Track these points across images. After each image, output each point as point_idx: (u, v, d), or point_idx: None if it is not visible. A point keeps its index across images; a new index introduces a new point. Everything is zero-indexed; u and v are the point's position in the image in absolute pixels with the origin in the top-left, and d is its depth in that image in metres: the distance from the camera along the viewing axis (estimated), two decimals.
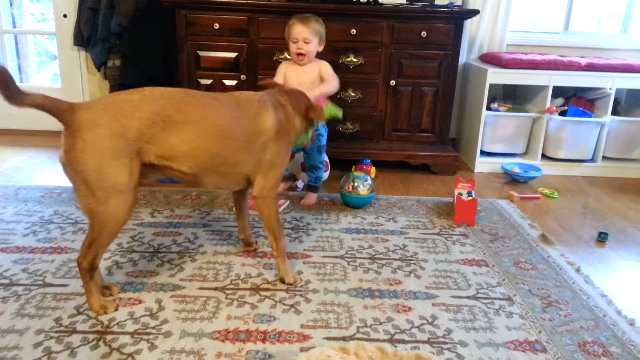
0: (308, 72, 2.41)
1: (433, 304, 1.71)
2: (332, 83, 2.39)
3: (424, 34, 2.96)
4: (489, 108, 3.28)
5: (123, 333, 1.49)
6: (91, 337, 1.47)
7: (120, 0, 3.12)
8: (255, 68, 3.00)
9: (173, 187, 2.68)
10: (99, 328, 1.51)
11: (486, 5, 3.41)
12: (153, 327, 1.52)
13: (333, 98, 2.59)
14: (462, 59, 3.49)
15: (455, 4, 3.08)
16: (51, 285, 1.73)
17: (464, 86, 3.54)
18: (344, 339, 1.51)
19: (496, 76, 3.12)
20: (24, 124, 3.73)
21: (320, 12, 2.77)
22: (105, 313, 1.58)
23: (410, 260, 2.01)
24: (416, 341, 1.51)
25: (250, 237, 2.03)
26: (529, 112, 3.30)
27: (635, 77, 3.15)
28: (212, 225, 2.25)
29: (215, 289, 1.75)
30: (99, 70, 3.46)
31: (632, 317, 1.67)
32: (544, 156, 3.30)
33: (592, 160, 3.31)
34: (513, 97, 3.56)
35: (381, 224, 2.33)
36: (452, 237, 2.23)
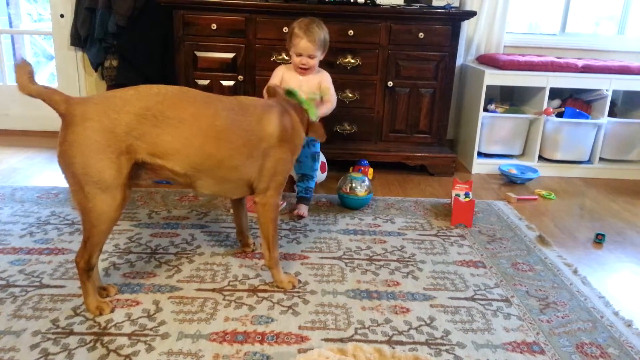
0: (308, 82, 2.32)
1: (431, 306, 1.71)
2: (330, 105, 2.32)
3: (421, 35, 2.96)
4: (486, 109, 3.28)
5: (120, 334, 1.49)
6: (88, 338, 1.46)
7: (118, 0, 3.11)
8: (253, 69, 3.00)
9: (170, 189, 2.68)
10: (96, 330, 1.50)
11: (483, 6, 3.42)
12: (150, 329, 1.52)
13: None
14: (460, 60, 3.50)
15: (452, 5, 3.08)
16: (48, 286, 1.72)
17: (461, 87, 3.54)
18: (342, 340, 1.51)
19: (493, 78, 3.13)
20: (21, 124, 3.72)
21: (318, 13, 2.78)
22: (101, 314, 1.57)
23: (408, 261, 2.01)
24: (414, 343, 1.51)
25: (248, 237, 2.02)
26: (526, 113, 3.31)
27: (632, 78, 3.16)
28: (210, 227, 2.25)
29: (213, 290, 1.74)
30: (96, 71, 3.45)
31: (630, 319, 1.68)
32: (541, 157, 3.31)
33: (589, 161, 3.32)
34: (510, 99, 3.57)
35: (379, 225, 2.33)
36: (449, 239, 2.23)
